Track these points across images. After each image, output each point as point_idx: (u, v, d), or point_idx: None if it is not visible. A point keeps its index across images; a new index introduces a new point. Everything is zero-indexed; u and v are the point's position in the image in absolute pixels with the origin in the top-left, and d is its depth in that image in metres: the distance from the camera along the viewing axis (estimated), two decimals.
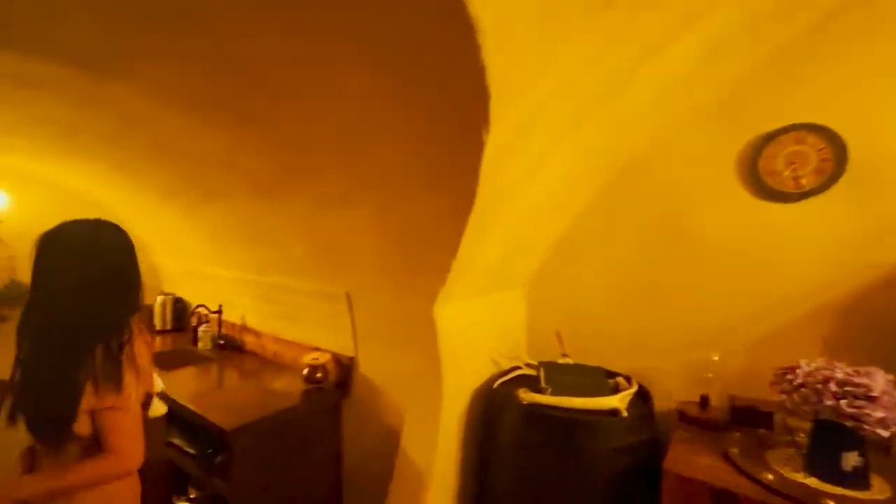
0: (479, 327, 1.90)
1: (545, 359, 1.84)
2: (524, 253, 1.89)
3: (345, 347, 2.05)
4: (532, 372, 1.84)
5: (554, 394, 1.61)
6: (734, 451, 1.33)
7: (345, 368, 2.05)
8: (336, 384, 2.06)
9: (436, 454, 1.65)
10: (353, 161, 1.46)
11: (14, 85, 1.23)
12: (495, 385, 1.76)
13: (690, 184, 1.72)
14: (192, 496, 2.00)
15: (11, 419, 1.09)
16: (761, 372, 1.58)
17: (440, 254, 1.51)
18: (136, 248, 1.25)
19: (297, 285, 2.20)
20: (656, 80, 1.30)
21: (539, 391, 1.64)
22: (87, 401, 1.04)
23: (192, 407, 1.80)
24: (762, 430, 1.46)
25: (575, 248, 1.98)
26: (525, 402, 1.60)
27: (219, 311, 2.70)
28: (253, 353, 2.57)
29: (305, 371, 2.00)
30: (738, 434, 1.45)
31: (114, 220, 1.25)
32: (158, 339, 2.91)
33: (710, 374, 1.62)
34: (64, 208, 2.89)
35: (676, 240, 1.75)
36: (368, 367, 1.98)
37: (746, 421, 1.51)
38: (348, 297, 1.98)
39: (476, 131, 1.01)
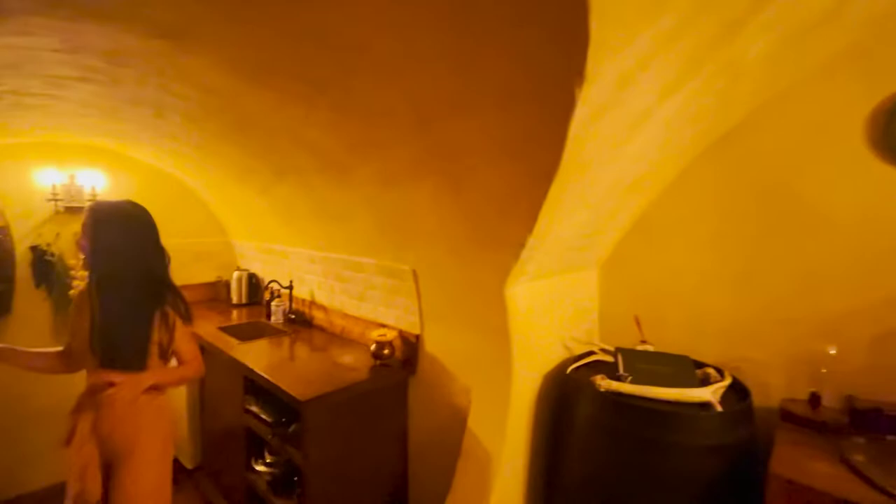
0: (551, 309, 1.80)
1: (619, 345, 1.72)
2: (604, 229, 1.75)
3: (411, 325, 2.04)
4: (608, 358, 1.72)
5: (635, 382, 1.49)
6: (859, 458, 1.15)
7: (411, 346, 2.03)
8: (402, 361, 2.06)
9: (505, 438, 1.60)
10: (423, 130, 1.40)
11: (106, 62, 1.29)
12: (568, 370, 1.66)
13: (805, 148, 1.49)
14: (268, 460, 2.10)
15: (95, 354, 1.39)
16: (889, 369, 1.37)
17: (514, 229, 1.42)
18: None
19: (364, 262, 2.21)
20: (779, 25, 1.11)
21: (618, 379, 1.53)
22: (181, 330, 1.53)
23: (267, 377, 1.87)
24: (890, 437, 1.26)
25: (660, 224, 1.81)
26: (602, 390, 1.49)
27: (290, 287, 2.80)
28: (321, 328, 2.64)
29: (373, 347, 2.01)
30: (860, 439, 1.25)
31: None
32: (235, 313, 3.08)
33: (824, 370, 1.42)
34: (152, 189, 3.14)
35: (785, 213, 1.53)
36: (434, 346, 1.95)
37: (869, 425, 1.31)
38: (415, 274, 1.95)
39: (567, 88, 0.91)
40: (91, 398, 1.38)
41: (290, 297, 2.81)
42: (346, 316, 2.45)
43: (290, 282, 2.81)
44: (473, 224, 1.57)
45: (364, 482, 1.93)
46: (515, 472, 1.67)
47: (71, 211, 2.71)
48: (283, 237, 2.79)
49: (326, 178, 2.00)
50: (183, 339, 1.53)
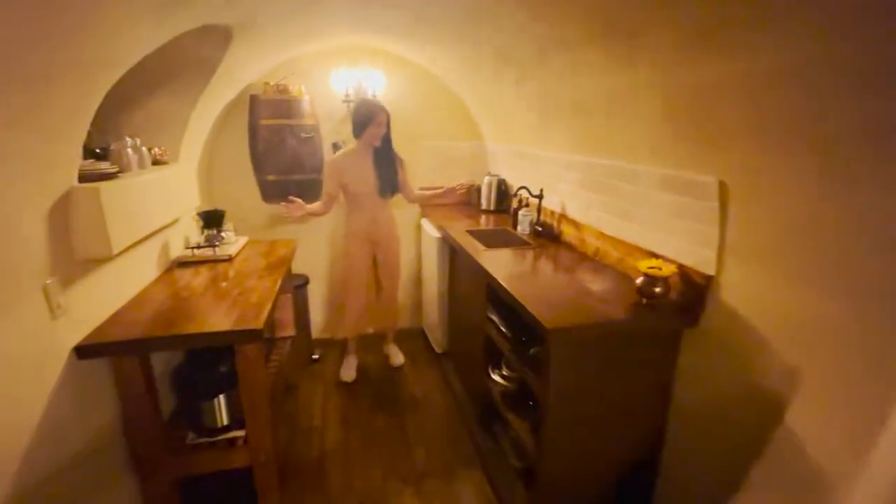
0: None
1: None
2: None
3: (700, 260, 1.47)
4: None
5: None
6: None
7: (695, 289, 1.49)
8: (678, 306, 1.55)
9: (866, 469, 0.97)
10: None
11: None
12: None
13: None
14: (504, 373, 2.03)
15: (380, 191, 2.59)
16: None
17: None
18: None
19: (640, 170, 1.68)
20: None
21: None
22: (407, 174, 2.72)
23: (515, 294, 1.67)
24: None
25: None
26: None
27: (539, 196, 2.52)
28: (569, 246, 2.31)
29: (639, 281, 1.56)
30: None
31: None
32: (483, 218, 3.05)
33: None
34: (419, 89, 3.24)
35: None
36: (738, 296, 1.35)
37: None
38: (722, 188, 1.33)
39: None
40: (375, 215, 2.62)
41: (539, 208, 2.54)
42: (602, 236, 2.02)
43: (541, 190, 2.52)
44: (865, 99, 0.85)
45: (609, 435, 1.62)
46: None
47: None
48: (537, 138, 2.46)
49: (599, 52, 1.50)
50: (406, 176, 2.69)
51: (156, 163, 1.97)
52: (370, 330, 2.99)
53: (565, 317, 1.48)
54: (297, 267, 3.11)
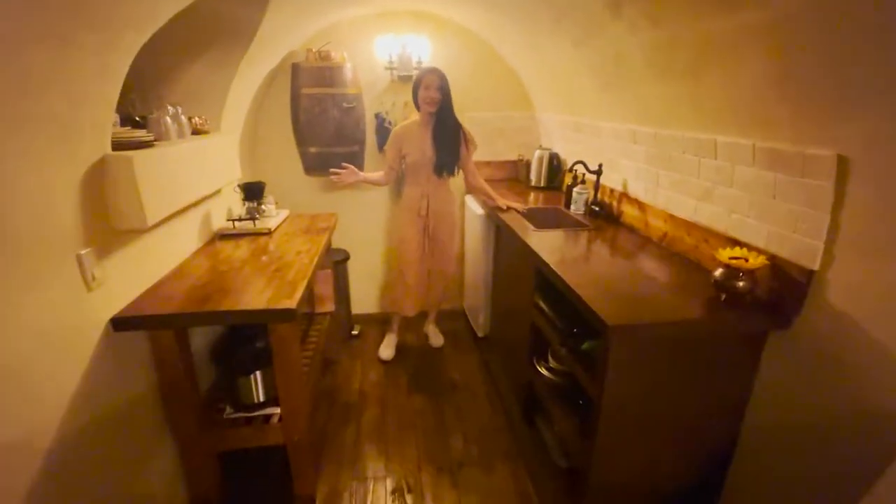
0: None
1: None
2: None
3: (800, 251, 1.22)
4: None
5: None
6: None
7: (789, 285, 1.25)
8: (765, 303, 1.32)
9: None
10: None
11: None
12: None
13: None
14: (551, 365, 1.88)
15: (435, 168, 2.43)
16: None
17: None
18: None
19: (725, 141, 1.43)
20: None
21: None
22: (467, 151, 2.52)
23: (566, 280, 1.50)
24: None
25: None
26: None
27: (598, 172, 2.28)
28: (631, 229, 2.08)
29: (718, 273, 1.33)
30: None
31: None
32: (532, 195, 2.85)
33: None
34: (468, 57, 3.02)
35: None
36: (851, 296, 1.10)
37: None
38: (841, 164, 1.07)
39: None
40: (427, 190, 2.48)
41: (597, 185, 2.30)
42: (671, 219, 1.78)
43: (600, 166, 2.27)
44: None
45: (668, 448, 1.44)
46: None
47: (402, 80, 2.87)
48: (598, 107, 2.21)
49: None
50: (469, 158, 2.54)
51: (196, 132, 1.92)
52: (422, 309, 2.85)
53: (629, 312, 1.30)
54: (338, 242, 3.06)
